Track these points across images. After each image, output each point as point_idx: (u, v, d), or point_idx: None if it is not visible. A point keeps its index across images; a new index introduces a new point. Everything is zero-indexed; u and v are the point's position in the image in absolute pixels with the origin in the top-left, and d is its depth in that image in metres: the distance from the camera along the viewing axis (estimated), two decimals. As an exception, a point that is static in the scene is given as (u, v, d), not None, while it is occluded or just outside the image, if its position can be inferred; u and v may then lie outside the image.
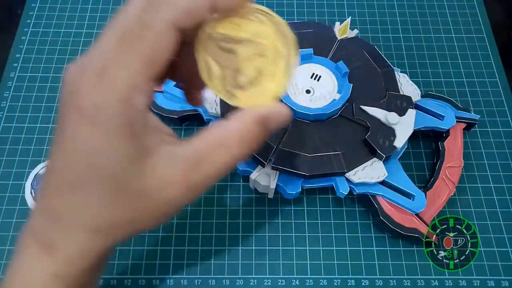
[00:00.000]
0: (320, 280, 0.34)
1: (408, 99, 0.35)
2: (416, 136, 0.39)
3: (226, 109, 0.35)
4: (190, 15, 0.19)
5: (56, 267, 0.20)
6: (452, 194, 0.35)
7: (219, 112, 0.35)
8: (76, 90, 0.18)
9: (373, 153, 0.33)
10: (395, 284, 0.33)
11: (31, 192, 0.33)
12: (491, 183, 0.37)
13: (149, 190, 0.19)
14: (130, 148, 0.18)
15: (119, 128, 0.18)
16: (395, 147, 0.33)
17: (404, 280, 0.34)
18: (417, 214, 0.34)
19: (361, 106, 0.34)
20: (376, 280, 0.34)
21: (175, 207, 0.20)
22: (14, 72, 0.42)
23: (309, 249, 0.35)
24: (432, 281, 0.34)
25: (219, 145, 0.20)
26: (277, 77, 0.21)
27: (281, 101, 0.33)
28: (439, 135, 0.38)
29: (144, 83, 0.18)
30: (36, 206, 0.21)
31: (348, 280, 0.34)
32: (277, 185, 0.33)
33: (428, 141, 0.39)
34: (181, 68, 0.23)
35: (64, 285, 0.20)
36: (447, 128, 0.37)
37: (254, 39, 0.21)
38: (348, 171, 0.33)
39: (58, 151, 0.19)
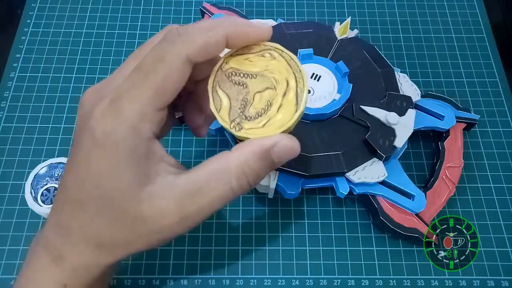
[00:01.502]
0: (320, 280, 0.34)
1: (408, 99, 0.35)
2: (416, 136, 0.39)
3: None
4: (205, 50, 0.19)
5: (64, 277, 0.21)
6: (452, 194, 0.35)
7: None
8: (90, 114, 0.19)
9: (373, 153, 0.33)
10: (395, 284, 0.33)
11: (31, 192, 0.33)
12: (491, 183, 0.37)
13: (145, 217, 0.20)
14: (132, 174, 0.19)
15: (124, 153, 0.19)
16: (395, 147, 0.33)
17: (404, 280, 0.34)
18: (417, 214, 0.34)
19: (361, 106, 0.34)
20: (376, 280, 0.34)
21: (168, 235, 0.20)
22: (14, 72, 0.42)
23: (309, 249, 0.35)
24: (432, 281, 0.34)
25: (216, 177, 0.20)
26: (285, 108, 0.21)
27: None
28: (439, 135, 0.38)
29: (152, 112, 0.19)
30: (49, 218, 0.22)
31: (348, 280, 0.34)
32: (277, 185, 0.33)
33: (428, 141, 0.39)
34: (192, 101, 0.24)
35: None
36: (447, 128, 0.37)
37: (265, 74, 0.21)
38: (348, 171, 0.33)
39: (72, 170, 0.20)
